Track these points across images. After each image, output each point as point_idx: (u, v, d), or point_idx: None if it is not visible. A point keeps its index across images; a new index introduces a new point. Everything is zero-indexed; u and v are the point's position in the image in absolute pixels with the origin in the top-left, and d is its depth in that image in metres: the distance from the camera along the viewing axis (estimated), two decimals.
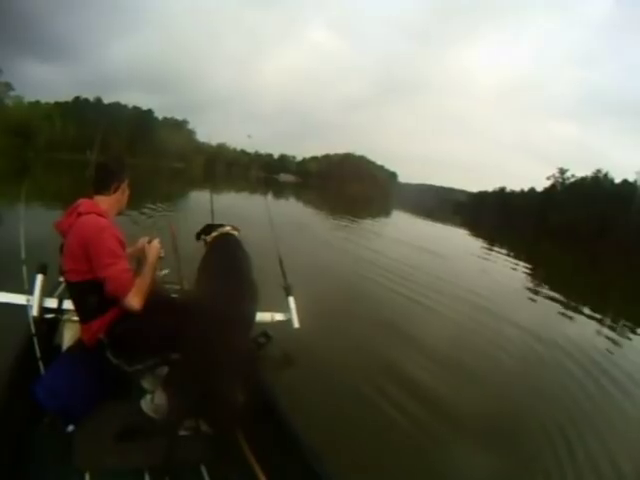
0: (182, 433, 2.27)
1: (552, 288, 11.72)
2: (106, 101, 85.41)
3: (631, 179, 62.93)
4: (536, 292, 11.30)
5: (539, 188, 77.83)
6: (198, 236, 3.15)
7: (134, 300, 2.12)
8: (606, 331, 8.19)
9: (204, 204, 4.02)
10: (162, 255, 2.62)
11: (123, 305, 2.12)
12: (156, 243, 2.59)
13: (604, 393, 5.02)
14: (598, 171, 68.69)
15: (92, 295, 2.19)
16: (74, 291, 2.30)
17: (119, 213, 2.53)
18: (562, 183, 73.44)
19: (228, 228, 3.10)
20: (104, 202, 2.37)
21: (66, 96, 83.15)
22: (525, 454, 3.43)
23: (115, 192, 2.42)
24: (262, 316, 3.39)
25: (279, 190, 47.77)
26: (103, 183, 2.40)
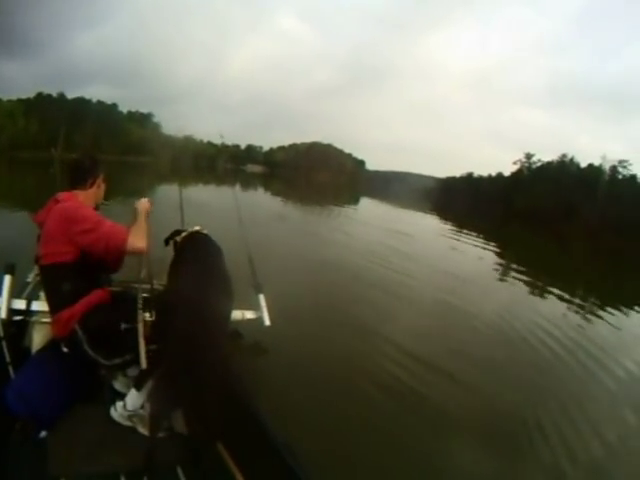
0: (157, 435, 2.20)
1: (521, 270, 11.97)
2: (70, 96, 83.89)
3: (597, 164, 64.64)
4: (504, 273, 11.58)
5: (507, 173, 79.24)
6: (167, 241, 3.08)
7: (136, 241, 2.16)
8: (578, 310, 8.41)
9: (173, 199, 3.94)
10: (151, 210, 2.63)
11: (128, 251, 2.17)
12: (144, 200, 2.62)
13: (581, 370, 5.15)
14: (564, 155, 70.57)
15: (66, 281, 2.20)
16: (48, 276, 2.30)
17: (96, 207, 2.59)
18: (529, 167, 75.01)
19: (198, 228, 3.05)
20: (81, 195, 2.45)
21: (28, 92, 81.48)
22: (507, 442, 3.43)
23: (91, 187, 2.52)
24: (233, 314, 3.35)
25: (247, 181, 47.67)
26: (79, 178, 2.49)
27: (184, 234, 2.91)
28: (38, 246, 2.29)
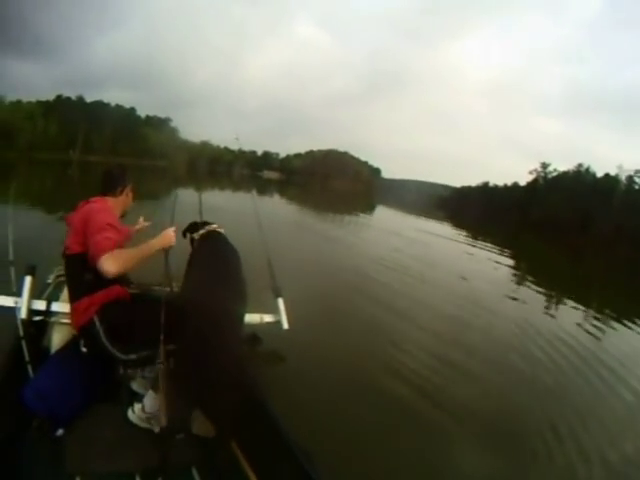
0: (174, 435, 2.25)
1: (534, 280, 11.91)
2: (89, 99, 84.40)
3: (613, 173, 63.83)
4: (518, 282, 11.49)
5: (523, 183, 78.48)
6: (184, 234, 3.14)
7: (107, 262, 2.05)
8: (592, 321, 8.30)
9: (190, 203, 4.01)
10: (171, 246, 2.55)
11: (98, 267, 2.07)
12: (170, 231, 2.57)
13: (596, 380, 5.12)
14: (580, 165, 69.67)
15: (87, 271, 2.23)
16: (71, 265, 2.37)
17: (123, 214, 2.74)
18: (544, 177, 74.16)
19: (215, 226, 3.11)
20: (110, 201, 2.60)
21: (48, 95, 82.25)
22: (517, 447, 3.45)
23: (121, 194, 2.69)
24: (251, 317, 3.41)
25: (263, 187, 47.62)
26: (109, 186, 2.67)
27: (202, 232, 2.97)
28: (67, 238, 2.38)
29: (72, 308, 2.36)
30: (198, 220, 3.32)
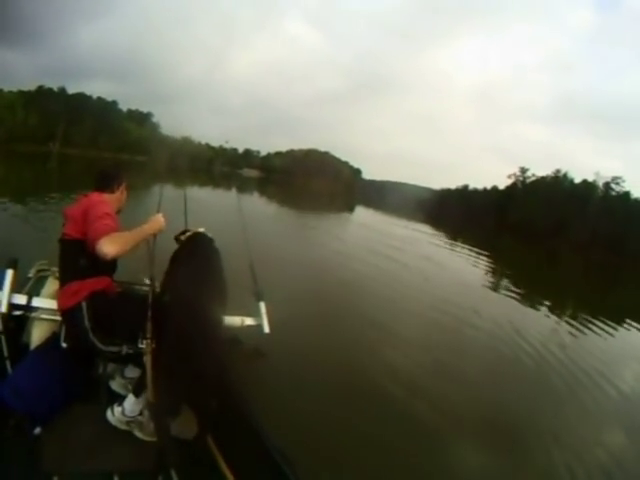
0: (153, 438, 2.25)
1: (509, 282, 12.22)
2: (71, 90, 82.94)
3: (591, 180, 65.10)
4: (494, 286, 11.71)
5: (502, 187, 79.41)
6: (177, 239, 3.14)
7: (106, 245, 2.06)
8: (568, 322, 8.67)
9: (173, 199, 3.98)
10: (161, 230, 2.54)
11: (96, 250, 2.07)
12: (159, 216, 2.58)
13: (573, 381, 5.34)
14: (558, 171, 70.81)
15: (82, 257, 2.27)
16: (67, 249, 2.38)
17: (118, 211, 2.68)
18: (523, 182, 75.20)
19: (202, 229, 3.11)
20: (107, 197, 2.59)
21: (29, 84, 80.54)
22: (496, 444, 3.55)
23: (117, 191, 2.71)
24: (232, 320, 3.40)
25: (242, 185, 47.45)
26: (104, 183, 2.67)
27: (188, 234, 2.97)
28: (64, 227, 2.39)
29: (61, 290, 2.36)
30: (184, 220, 3.37)
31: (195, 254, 2.76)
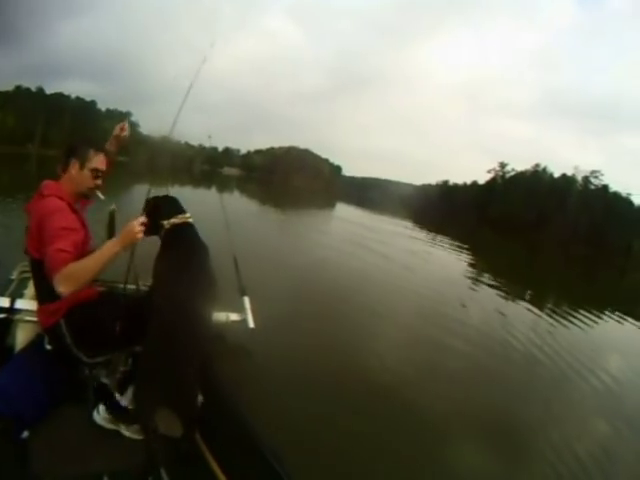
0: (141, 437, 2.22)
1: (489, 276, 12.29)
2: (49, 89, 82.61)
3: (570, 174, 66.01)
4: (474, 281, 11.72)
5: (482, 182, 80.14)
6: (149, 214, 2.83)
7: (60, 284, 1.89)
8: (547, 314, 8.74)
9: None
10: (136, 241, 2.17)
11: (54, 283, 1.92)
12: (135, 225, 2.13)
13: (558, 372, 5.41)
14: (537, 165, 71.62)
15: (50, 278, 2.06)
16: (35, 269, 2.23)
17: (86, 196, 2.41)
18: (502, 176, 75.95)
19: (187, 215, 2.88)
20: (65, 183, 2.31)
21: (6, 83, 78.98)
22: (483, 441, 3.52)
23: (75, 169, 2.31)
24: (217, 316, 3.38)
25: (222, 184, 47.19)
26: (64, 161, 2.33)
27: (173, 220, 2.74)
28: (26, 237, 2.23)
29: (39, 308, 2.29)
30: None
31: (187, 251, 2.71)
